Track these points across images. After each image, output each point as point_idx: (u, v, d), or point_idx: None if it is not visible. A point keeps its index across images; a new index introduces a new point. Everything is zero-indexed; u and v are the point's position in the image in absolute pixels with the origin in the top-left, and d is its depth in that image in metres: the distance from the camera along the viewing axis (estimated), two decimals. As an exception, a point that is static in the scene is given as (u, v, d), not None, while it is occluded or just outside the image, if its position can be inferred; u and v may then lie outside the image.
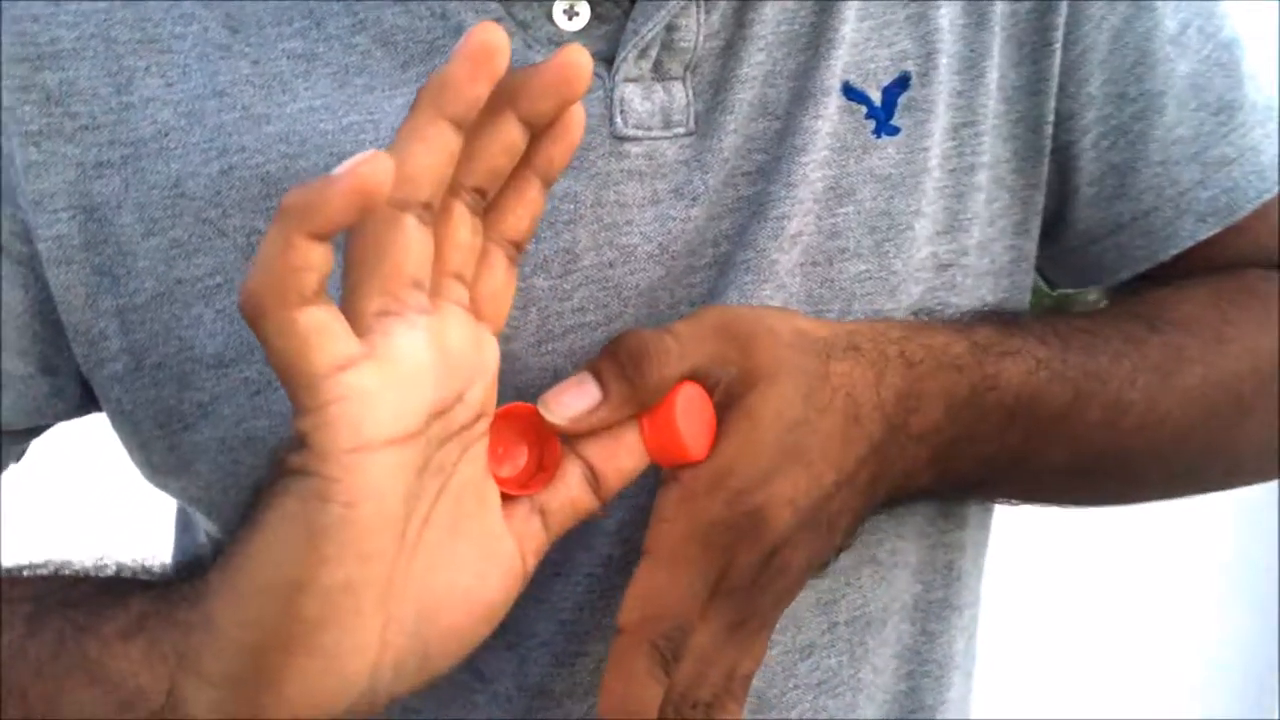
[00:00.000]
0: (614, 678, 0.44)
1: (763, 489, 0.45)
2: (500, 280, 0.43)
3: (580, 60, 0.40)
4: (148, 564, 0.47)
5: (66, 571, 0.48)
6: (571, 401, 0.44)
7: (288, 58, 0.49)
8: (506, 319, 0.45)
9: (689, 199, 0.51)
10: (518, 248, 0.44)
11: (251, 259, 0.41)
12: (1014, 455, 0.51)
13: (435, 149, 0.38)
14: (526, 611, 0.51)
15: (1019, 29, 0.56)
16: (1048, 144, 0.57)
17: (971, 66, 0.55)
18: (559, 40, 0.50)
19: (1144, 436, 0.54)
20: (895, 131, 0.53)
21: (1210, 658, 1.88)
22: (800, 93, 0.52)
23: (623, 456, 0.45)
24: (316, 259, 0.36)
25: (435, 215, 0.40)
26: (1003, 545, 0.63)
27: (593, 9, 0.50)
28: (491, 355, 0.43)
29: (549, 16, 0.50)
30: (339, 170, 0.35)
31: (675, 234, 0.51)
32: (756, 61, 0.52)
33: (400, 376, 0.38)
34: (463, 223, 0.41)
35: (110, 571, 0.47)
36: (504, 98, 0.40)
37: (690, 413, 0.44)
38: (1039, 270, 0.63)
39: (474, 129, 0.40)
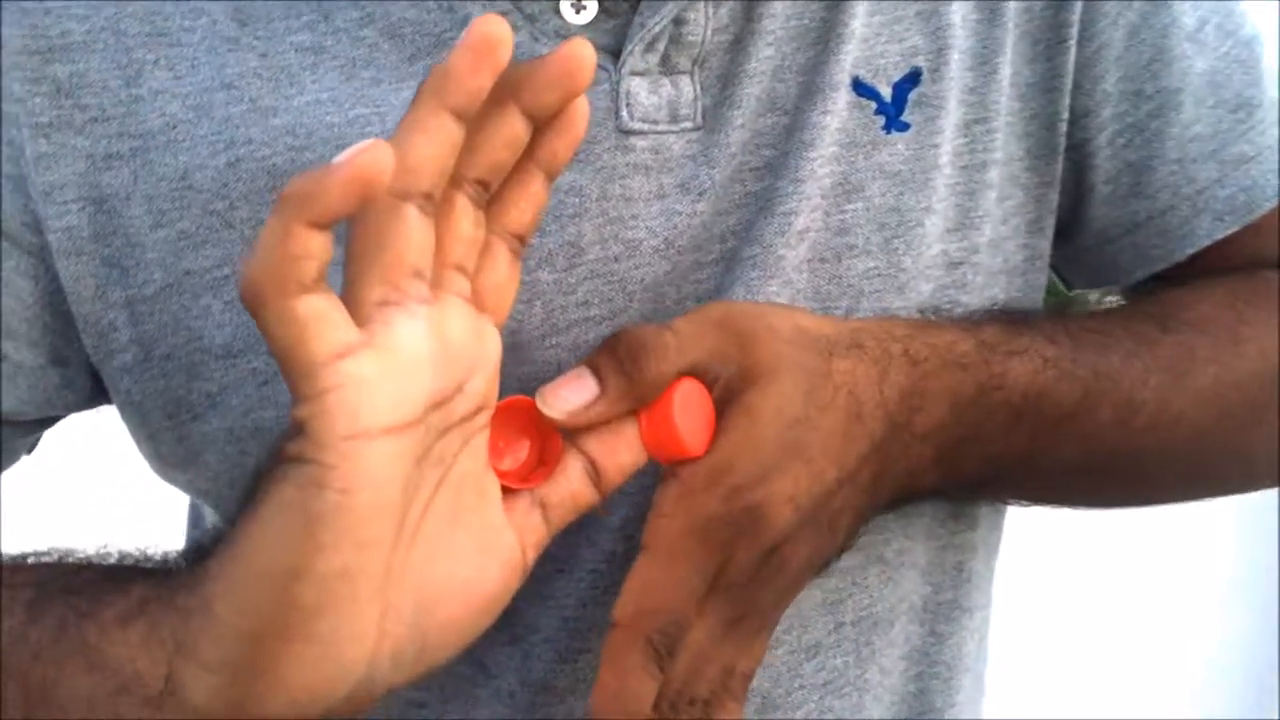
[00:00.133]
0: (608, 672, 0.44)
1: (762, 486, 0.44)
2: (503, 273, 0.43)
3: (584, 53, 0.40)
4: (149, 552, 0.47)
5: (70, 559, 0.48)
6: (569, 396, 0.44)
7: (295, 51, 0.49)
8: (511, 312, 0.45)
9: (695, 194, 0.51)
10: (521, 241, 0.44)
11: None
12: (1022, 455, 0.51)
13: (437, 140, 0.38)
14: (530, 607, 0.51)
15: (1033, 25, 0.55)
16: (1062, 142, 0.57)
17: (984, 62, 0.54)
18: (566, 34, 0.50)
19: (1157, 437, 0.53)
20: (905, 127, 0.53)
21: (1211, 658, 1.88)
22: (809, 88, 0.52)
23: (623, 451, 0.45)
24: (316, 247, 0.36)
25: (437, 207, 0.40)
26: (1003, 547, 0.62)
27: (600, 2, 0.50)
28: (493, 347, 0.43)
29: (556, 10, 0.50)
30: (339, 159, 0.35)
31: (681, 229, 0.51)
32: (765, 56, 0.52)
33: (399, 365, 0.38)
34: (465, 215, 0.41)
35: (113, 559, 0.48)
36: (507, 90, 0.40)
37: (689, 408, 0.44)
38: (1055, 270, 0.63)
39: (477, 121, 0.40)
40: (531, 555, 0.44)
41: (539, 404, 0.44)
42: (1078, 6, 0.55)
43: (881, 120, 0.52)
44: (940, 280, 0.53)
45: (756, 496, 0.44)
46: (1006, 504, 0.59)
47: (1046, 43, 0.55)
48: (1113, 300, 0.63)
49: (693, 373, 0.45)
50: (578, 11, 0.50)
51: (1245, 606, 1.88)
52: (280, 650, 0.39)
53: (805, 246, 0.51)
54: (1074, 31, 0.55)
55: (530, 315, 0.49)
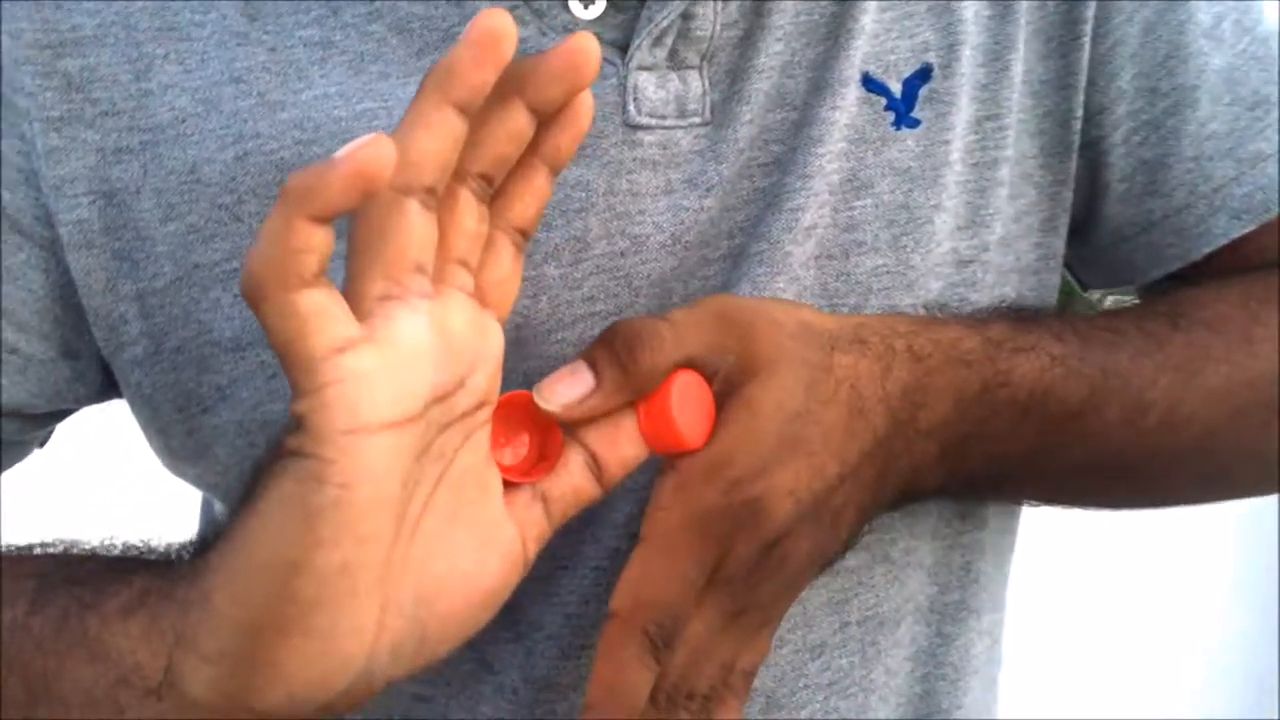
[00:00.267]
0: (604, 662, 0.44)
1: (762, 479, 0.44)
2: (507, 268, 0.43)
3: (589, 47, 0.39)
4: (153, 543, 0.47)
5: (74, 550, 0.48)
6: (565, 389, 0.44)
7: (304, 45, 0.50)
8: (516, 307, 0.45)
9: (703, 189, 0.50)
10: (524, 235, 0.44)
11: None
12: (1029, 453, 0.50)
13: (440, 135, 0.38)
14: (534, 604, 0.51)
15: (1046, 22, 0.55)
16: (1076, 139, 0.56)
17: (996, 59, 0.54)
18: (574, 28, 0.50)
19: (1168, 437, 0.52)
20: (915, 124, 0.52)
21: (1211, 658, 1.87)
22: (818, 83, 0.51)
23: (624, 445, 0.44)
24: (317, 241, 0.36)
25: (440, 201, 0.40)
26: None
27: None
28: (496, 342, 0.43)
29: (564, 4, 0.50)
30: (340, 154, 0.35)
31: (688, 224, 0.50)
32: (774, 52, 0.51)
33: (400, 360, 0.38)
34: (468, 209, 0.41)
35: (117, 550, 0.48)
36: (512, 84, 0.40)
37: (686, 400, 0.44)
38: (1070, 270, 0.62)
39: (481, 115, 0.40)
40: (533, 549, 0.44)
41: (536, 398, 0.44)
42: (1092, 4, 0.54)
43: (891, 116, 0.52)
44: (950, 278, 0.53)
45: (756, 489, 0.44)
46: (1016, 504, 0.58)
47: (1060, 39, 0.55)
48: (1116, 301, 0.62)
49: (691, 365, 0.45)
50: (586, 6, 0.50)
51: (1245, 606, 1.87)
52: (279, 644, 0.39)
53: (813, 243, 0.51)
54: (1088, 28, 0.55)
55: (536, 310, 0.49)
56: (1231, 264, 0.57)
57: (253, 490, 0.40)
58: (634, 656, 0.43)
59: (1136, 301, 0.60)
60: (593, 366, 0.44)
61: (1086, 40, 0.55)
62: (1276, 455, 0.56)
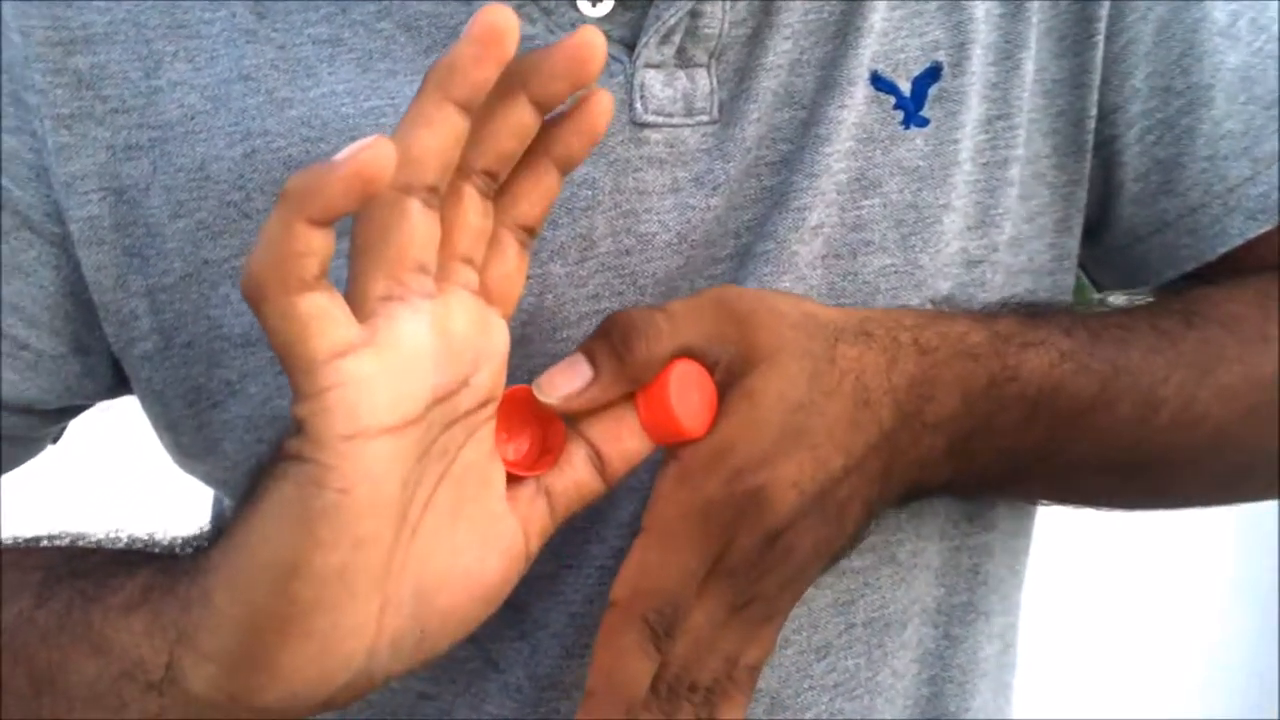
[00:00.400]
0: (603, 650, 0.44)
1: (764, 469, 0.44)
2: (512, 265, 0.43)
3: (594, 41, 0.39)
4: (158, 536, 0.48)
5: (81, 543, 0.49)
6: (564, 381, 0.44)
7: (313, 43, 0.50)
8: (521, 304, 0.45)
9: (709, 188, 0.50)
10: (530, 233, 0.43)
11: None
12: (1038, 450, 0.50)
13: (441, 133, 0.38)
14: (538, 603, 0.51)
15: (1059, 20, 0.54)
16: (1090, 139, 0.56)
17: (1007, 58, 0.53)
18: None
19: (1180, 435, 0.52)
20: (925, 123, 0.52)
21: (1211, 658, 1.86)
22: (826, 82, 0.51)
23: (626, 439, 0.44)
24: (317, 244, 0.36)
25: (444, 198, 0.40)
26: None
27: None
28: (500, 340, 0.43)
29: (572, 2, 0.50)
30: (340, 156, 0.35)
31: (695, 223, 0.50)
32: (783, 50, 0.51)
33: (400, 363, 0.38)
34: (472, 206, 0.41)
35: (122, 543, 0.48)
36: (516, 80, 0.39)
37: (686, 390, 0.44)
38: (1084, 270, 0.62)
39: (484, 111, 0.39)
40: (535, 544, 0.44)
41: (535, 391, 0.44)
42: (1105, 2, 0.54)
43: (900, 115, 0.52)
44: (959, 278, 0.53)
45: (758, 479, 0.44)
46: (1025, 502, 0.58)
47: (1073, 38, 0.54)
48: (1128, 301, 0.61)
49: (690, 354, 0.44)
50: (594, 4, 0.50)
51: (1245, 606, 1.87)
52: (278, 643, 0.39)
53: (820, 242, 0.51)
54: (1102, 26, 0.54)
55: (541, 308, 0.49)
56: (1247, 264, 0.57)
57: (254, 491, 0.40)
58: (634, 645, 0.43)
59: (1150, 299, 0.59)
60: (590, 358, 0.44)
61: (1100, 39, 0.54)
62: None
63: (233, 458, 0.53)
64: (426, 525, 0.41)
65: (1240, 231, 0.56)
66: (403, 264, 0.39)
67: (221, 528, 0.42)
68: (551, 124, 0.41)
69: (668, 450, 0.45)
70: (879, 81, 0.52)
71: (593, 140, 0.42)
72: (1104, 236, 0.59)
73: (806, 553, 0.45)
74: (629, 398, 0.44)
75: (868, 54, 0.51)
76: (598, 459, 0.44)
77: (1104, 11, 0.54)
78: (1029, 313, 0.51)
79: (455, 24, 0.49)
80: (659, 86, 0.50)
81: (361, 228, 0.39)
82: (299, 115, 0.49)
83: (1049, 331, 0.50)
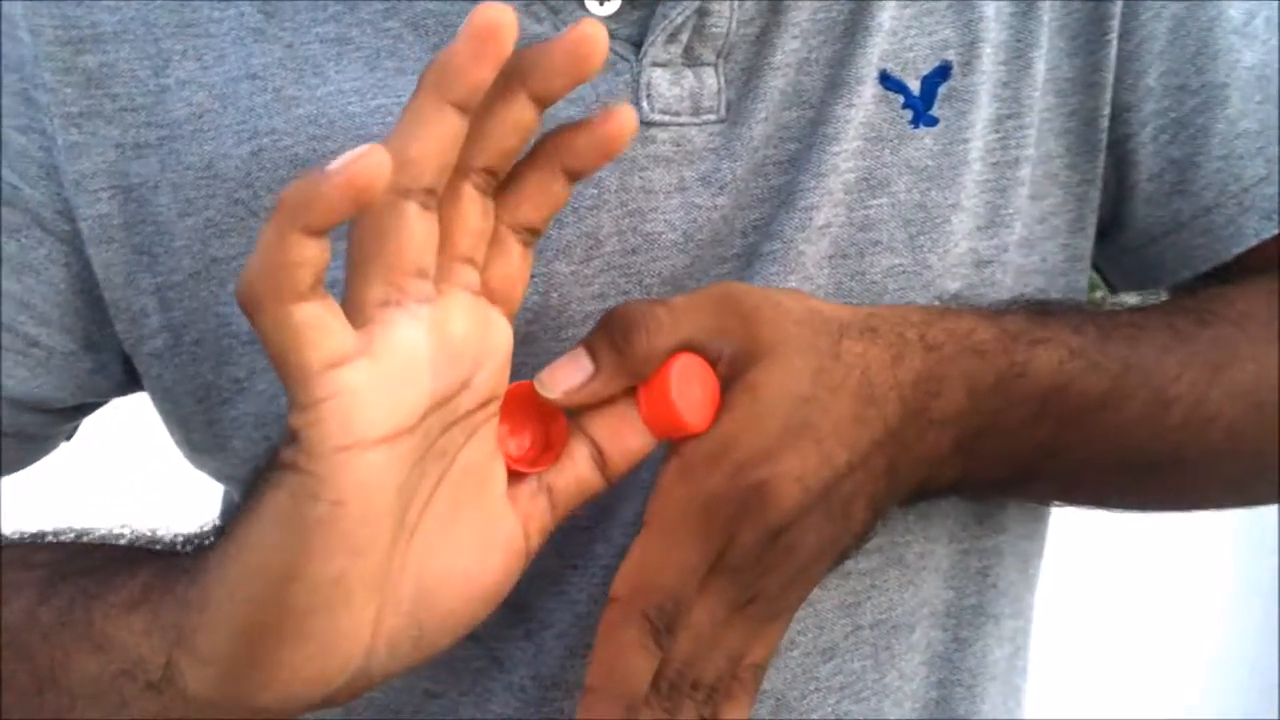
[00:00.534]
0: (603, 646, 0.43)
1: (767, 464, 0.43)
2: (515, 265, 0.42)
3: (594, 35, 0.38)
4: (160, 533, 0.48)
5: (85, 539, 0.49)
6: (565, 375, 0.44)
7: (320, 41, 0.50)
8: (527, 303, 0.45)
9: (716, 187, 0.50)
10: (534, 234, 0.43)
11: None
12: (1047, 449, 0.49)
13: (437, 134, 0.38)
14: (544, 602, 0.51)
15: (1072, 19, 0.54)
16: (1104, 138, 0.55)
17: (1018, 56, 0.53)
18: None
19: (1191, 435, 0.51)
20: (934, 122, 0.52)
21: (1211, 658, 1.85)
22: (834, 81, 0.51)
23: (628, 436, 0.44)
24: (311, 254, 0.35)
25: (443, 198, 0.39)
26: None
27: None
28: (502, 338, 0.42)
29: (580, 1, 0.49)
30: (334, 165, 0.34)
31: (701, 223, 0.50)
32: (791, 49, 0.51)
33: (397, 371, 0.38)
34: (472, 205, 0.40)
35: (126, 539, 0.48)
36: (515, 76, 0.39)
37: (687, 384, 0.44)
38: (1098, 271, 0.61)
39: (483, 108, 0.39)
40: (536, 541, 0.44)
41: (537, 386, 0.44)
42: (1119, 0, 0.53)
43: (909, 115, 0.51)
44: (968, 279, 0.52)
45: (761, 474, 0.43)
46: (1035, 503, 0.57)
47: (1086, 36, 0.54)
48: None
49: (692, 349, 0.44)
50: (602, 3, 0.50)
51: (1245, 606, 1.86)
52: (274, 647, 0.39)
53: (827, 242, 0.50)
54: (1115, 25, 0.54)
55: (546, 307, 0.49)
56: (1262, 264, 0.56)
57: (251, 496, 0.40)
58: (634, 641, 0.43)
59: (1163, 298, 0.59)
60: (591, 352, 0.44)
61: (1113, 37, 0.54)
62: None
63: (242, 454, 0.53)
64: (425, 526, 0.41)
65: (1255, 231, 0.56)
66: (400, 269, 0.38)
67: (221, 530, 0.42)
68: (567, 132, 0.41)
69: (670, 445, 0.44)
70: (888, 80, 0.51)
71: (609, 155, 0.41)
72: (1118, 237, 0.59)
73: (811, 550, 0.45)
74: (631, 393, 0.44)
75: (876, 53, 0.51)
76: (599, 455, 0.44)
77: (1117, 9, 0.54)
78: (1038, 310, 0.50)
79: (462, 23, 0.49)
80: (665, 85, 0.50)
81: (358, 233, 0.39)
82: (306, 114, 0.49)
83: (1058, 329, 0.49)
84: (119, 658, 0.42)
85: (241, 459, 0.53)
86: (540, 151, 0.41)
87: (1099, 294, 0.62)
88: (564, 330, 0.49)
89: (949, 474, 0.48)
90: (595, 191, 0.49)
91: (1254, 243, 0.56)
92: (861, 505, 0.46)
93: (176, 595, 0.41)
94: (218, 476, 0.57)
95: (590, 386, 0.44)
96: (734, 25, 0.50)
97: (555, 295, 0.49)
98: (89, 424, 0.60)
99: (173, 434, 0.56)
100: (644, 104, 0.49)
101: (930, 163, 0.51)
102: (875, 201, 0.51)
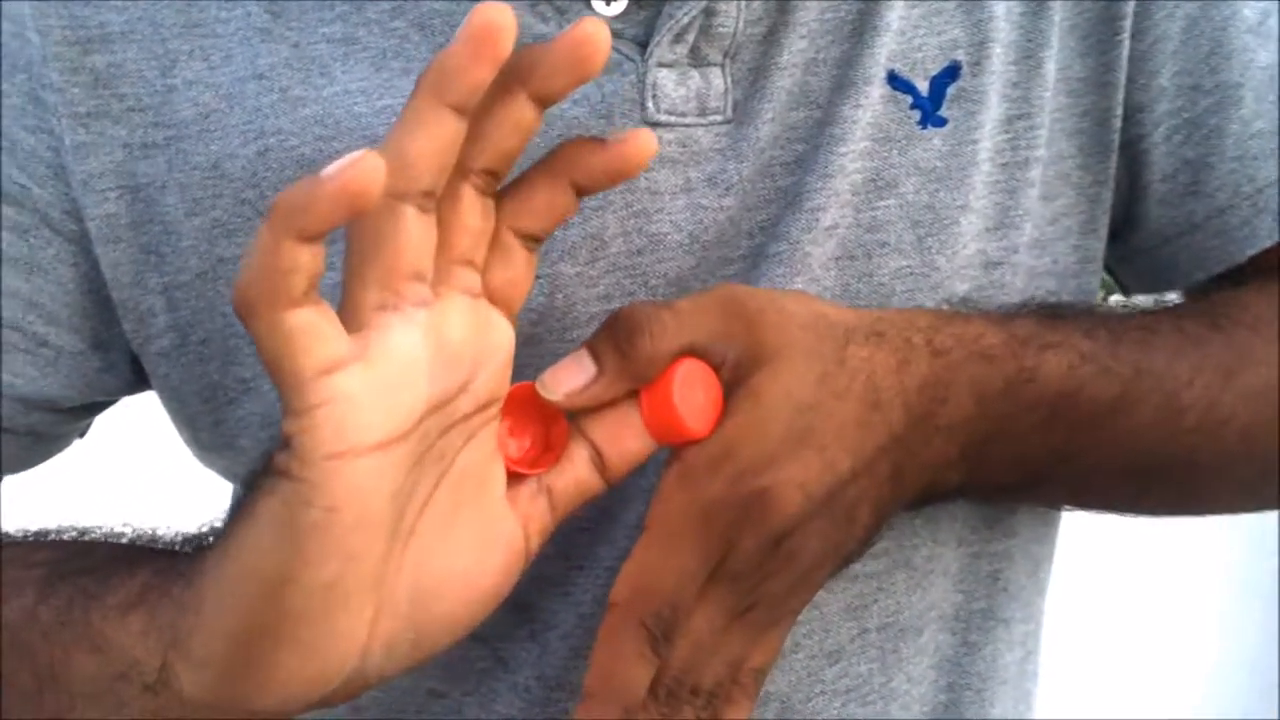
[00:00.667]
0: (601, 652, 0.43)
1: (769, 470, 0.43)
2: (519, 269, 0.42)
3: (596, 34, 0.37)
4: (160, 532, 0.48)
5: (86, 538, 0.49)
6: (567, 378, 0.43)
7: (327, 42, 0.50)
8: (531, 304, 0.45)
9: (722, 188, 0.50)
10: (537, 241, 0.42)
11: None
12: (1058, 454, 0.49)
13: (435, 136, 0.37)
14: (549, 603, 0.51)
15: (1083, 19, 0.53)
16: (1116, 139, 0.55)
17: (1028, 56, 0.52)
18: None
19: (1205, 439, 0.51)
20: (942, 123, 0.51)
21: (1211, 658, 1.84)
22: (842, 81, 0.50)
23: (628, 439, 0.44)
24: (305, 260, 0.35)
25: (442, 199, 0.39)
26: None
27: None
28: (502, 339, 0.42)
29: (587, 2, 0.49)
30: (328, 171, 0.34)
31: (707, 224, 0.50)
32: (798, 49, 0.51)
33: (391, 378, 0.38)
34: (471, 207, 0.40)
35: (127, 538, 0.48)
36: (515, 76, 0.38)
37: (690, 388, 0.43)
38: (1110, 273, 0.61)
39: (483, 108, 0.38)
40: (536, 543, 0.44)
41: (538, 388, 0.43)
42: (1132, 0, 0.53)
43: (917, 115, 0.51)
44: (977, 280, 0.52)
45: (763, 481, 0.43)
46: (1048, 508, 0.57)
47: (1098, 36, 0.54)
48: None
49: (696, 353, 0.44)
50: (608, 3, 0.49)
51: (1245, 606, 1.85)
52: (269, 652, 0.39)
53: (833, 243, 0.50)
54: (1128, 24, 0.53)
55: (551, 308, 0.49)
56: (1276, 266, 0.56)
57: (245, 501, 0.40)
58: (631, 648, 0.43)
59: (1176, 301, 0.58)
60: (594, 354, 0.43)
61: (1126, 37, 0.53)
62: None
63: (249, 453, 0.53)
64: (423, 528, 0.41)
65: (1269, 233, 0.55)
66: (397, 273, 0.38)
67: (217, 533, 0.42)
68: (582, 148, 0.40)
69: (672, 450, 0.44)
70: (896, 81, 0.51)
71: (622, 177, 0.40)
72: (1130, 238, 0.58)
73: (813, 556, 0.44)
74: (634, 396, 0.44)
75: (884, 53, 0.51)
76: (599, 458, 0.44)
77: (1130, 9, 0.53)
78: (1048, 314, 0.50)
79: None
80: (671, 86, 0.49)
81: (355, 236, 0.38)
82: (312, 114, 0.49)
83: (1068, 333, 0.49)
84: (116, 659, 0.42)
85: (249, 458, 0.53)
86: (551, 163, 0.41)
87: (1113, 296, 0.62)
88: (569, 331, 0.49)
89: (955, 479, 0.48)
90: (600, 192, 0.49)
91: (1268, 244, 0.55)
92: (865, 511, 0.45)
93: (173, 597, 0.41)
94: (226, 475, 0.57)
95: (592, 389, 0.43)
96: (741, 25, 0.50)
97: (560, 296, 0.49)
98: (97, 420, 0.60)
99: (181, 432, 0.56)
100: (649, 104, 0.49)
101: (939, 164, 0.51)
102: (883, 203, 0.50)
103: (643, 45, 0.49)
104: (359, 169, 0.34)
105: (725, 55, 0.50)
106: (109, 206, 0.50)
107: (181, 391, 0.53)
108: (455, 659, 0.50)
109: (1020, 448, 0.48)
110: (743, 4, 0.50)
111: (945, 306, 0.50)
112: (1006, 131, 0.52)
